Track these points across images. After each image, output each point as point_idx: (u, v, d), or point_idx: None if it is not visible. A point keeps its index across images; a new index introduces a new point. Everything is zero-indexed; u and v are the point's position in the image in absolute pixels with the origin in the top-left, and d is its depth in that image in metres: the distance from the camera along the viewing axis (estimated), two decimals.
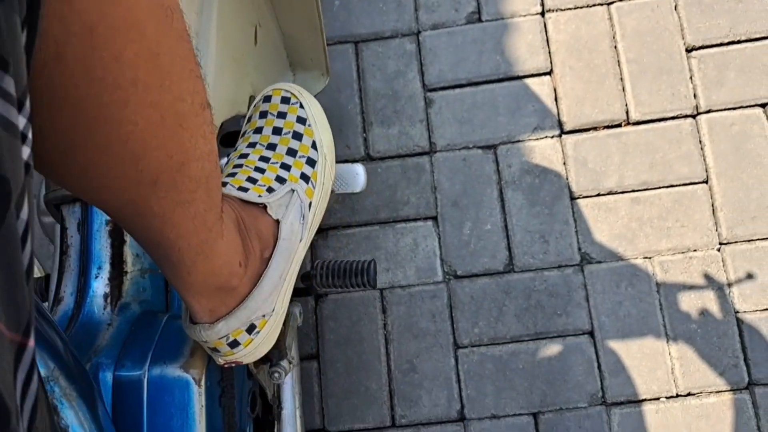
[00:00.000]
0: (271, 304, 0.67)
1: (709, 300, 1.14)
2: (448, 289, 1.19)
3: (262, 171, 0.69)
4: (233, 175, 0.68)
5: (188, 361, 0.66)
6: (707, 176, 1.18)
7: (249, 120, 0.75)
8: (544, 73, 1.25)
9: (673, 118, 1.21)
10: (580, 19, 1.27)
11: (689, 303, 1.14)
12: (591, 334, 1.15)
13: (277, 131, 0.71)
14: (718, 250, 1.15)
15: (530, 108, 1.24)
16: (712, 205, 1.17)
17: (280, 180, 0.68)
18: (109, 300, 0.71)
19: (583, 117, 1.23)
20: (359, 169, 0.97)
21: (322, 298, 1.21)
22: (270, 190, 0.67)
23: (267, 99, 0.74)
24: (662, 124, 1.21)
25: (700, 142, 1.19)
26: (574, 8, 1.27)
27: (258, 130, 0.73)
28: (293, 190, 0.68)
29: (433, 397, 1.15)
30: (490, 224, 1.21)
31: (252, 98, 1.01)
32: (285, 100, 0.73)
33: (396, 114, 1.27)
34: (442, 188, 1.23)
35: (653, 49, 1.24)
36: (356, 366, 1.18)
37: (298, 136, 0.71)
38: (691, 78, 1.22)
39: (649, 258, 1.16)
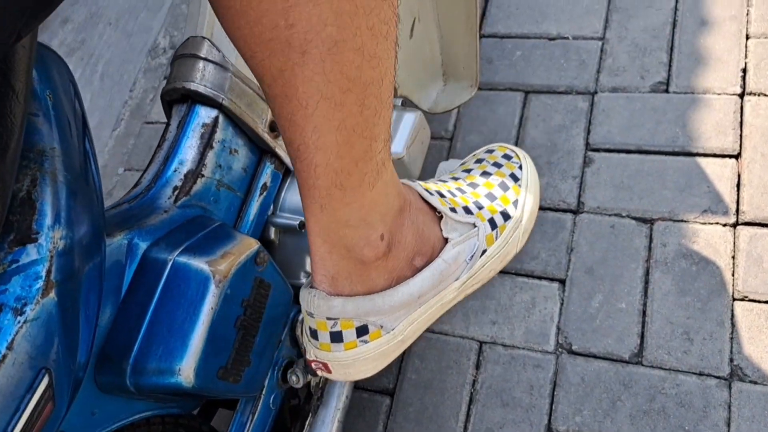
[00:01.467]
0: (396, 320, 0.61)
1: None
2: (557, 363, 1.02)
3: (454, 195, 0.66)
4: (424, 183, 0.65)
5: (215, 260, 0.60)
6: None
7: (462, 163, 0.74)
8: (730, 156, 1.09)
9: None
10: None
11: None
12: None
13: (485, 175, 0.70)
14: None
15: (704, 188, 1.07)
16: None
17: (468, 210, 0.65)
18: (176, 193, 0.69)
19: None
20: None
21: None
22: (453, 210, 0.64)
23: (489, 151, 0.74)
24: None
25: None
26: None
27: (467, 170, 0.71)
28: (475, 226, 0.64)
29: None
30: (625, 303, 1.03)
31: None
32: (507, 157, 0.73)
33: (549, 165, 1.17)
34: (579, 251, 1.09)
35: None
36: (430, 416, 1.03)
37: (504, 186, 0.69)
38: None
39: None
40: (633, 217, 1.09)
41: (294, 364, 0.76)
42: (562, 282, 1.07)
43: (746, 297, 0.99)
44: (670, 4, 1.25)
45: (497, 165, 0.72)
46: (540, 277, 1.09)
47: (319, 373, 0.64)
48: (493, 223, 0.66)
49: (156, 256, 0.61)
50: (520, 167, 0.72)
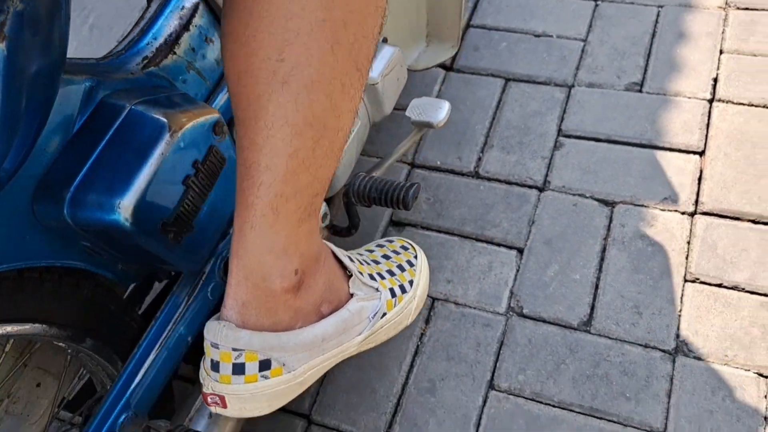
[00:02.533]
0: (299, 361, 0.63)
1: None
2: (506, 324, 1.01)
3: (361, 263, 0.73)
4: (344, 253, 0.72)
5: (173, 113, 0.61)
6: None
7: (364, 247, 0.82)
8: (695, 152, 1.12)
9: None
10: (752, 115, 1.14)
11: None
12: None
13: (386, 257, 0.79)
14: None
15: (667, 179, 1.10)
16: None
17: (372, 277, 0.73)
18: (145, 62, 0.69)
19: (726, 203, 1.06)
20: (444, 105, 0.91)
21: None
22: (361, 273, 0.70)
23: (389, 240, 0.84)
24: None
25: None
26: (748, 105, 1.16)
27: (369, 251, 0.80)
28: (379, 291, 0.72)
29: (441, 431, 0.94)
30: (579, 275, 1.04)
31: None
32: (404, 248, 0.82)
33: (520, 144, 1.19)
34: (540, 224, 1.10)
35: None
36: (372, 364, 1.01)
37: (402, 268, 0.78)
38: None
39: (766, 376, 0.91)
40: (596, 199, 1.11)
41: None
42: (521, 251, 1.08)
43: (698, 279, 1.00)
44: (652, 17, 1.32)
45: (396, 252, 0.81)
46: (499, 244, 1.09)
47: (213, 409, 0.63)
48: (393, 293, 0.74)
49: (113, 102, 0.61)
50: (415, 257, 0.81)
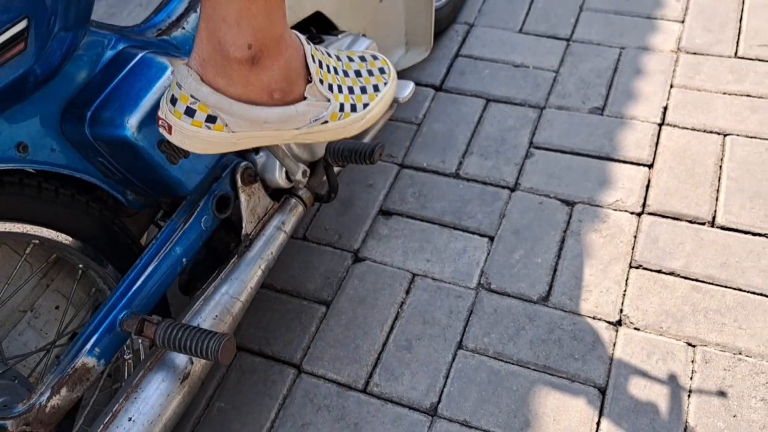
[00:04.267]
0: (239, 127, 0.73)
1: (747, 408, 0.99)
2: (475, 297, 1.17)
3: (328, 71, 0.79)
4: (322, 52, 0.78)
5: (176, 59, 0.78)
6: None
7: (352, 51, 0.88)
8: (644, 165, 1.31)
9: (760, 235, 1.17)
10: (694, 137, 1.34)
11: (723, 404, 1.00)
12: (602, 391, 1.04)
13: (357, 74, 0.84)
14: None
15: (619, 185, 1.28)
16: None
17: (331, 88, 0.78)
18: (158, 32, 0.88)
19: (669, 206, 1.24)
20: (410, 84, 1.08)
21: (361, 261, 1.24)
22: (321, 82, 0.77)
23: (374, 57, 0.88)
24: (747, 236, 1.17)
25: None
26: (692, 129, 1.35)
27: (350, 59, 0.85)
28: (330, 102, 0.78)
29: (414, 381, 1.08)
30: (541, 259, 1.20)
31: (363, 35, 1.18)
32: (381, 70, 0.87)
33: (497, 153, 1.37)
34: (510, 217, 1.27)
35: (757, 177, 1.25)
36: (358, 324, 1.16)
37: (364, 90, 0.83)
38: None
39: (693, 346, 1.07)
40: (558, 199, 1.29)
41: (228, 198, 0.91)
42: (492, 238, 1.25)
43: (641, 266, 1.17)
44: (614, 56, 1.52)
45: (370, 73, 0.85)
46: (473, 233, 1.26)
47: (161, 130, 0.74)
48: (342, 108, 0.80)
49: (130, 51, 0.79)
50: (386, 84, 0.85)
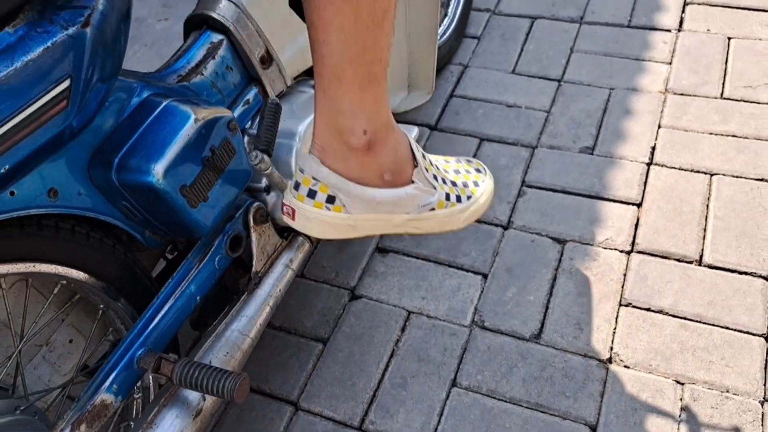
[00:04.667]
0: (356, 208, 0.81)
1: None
2: (469, 334, 1.20)
3: (431, 163, 0.88)
4: (423, 153, 0.87)
5: (198, 108, 0.82)
6: (767, 333, 1.13)
7: (445, 158, 0.98)
8: (633, 204, 1.34)
9: (746, 273, 1.21)
10: (682, 177, 1.37)
11: None
12: (593, 428, 1.06)
13: (456, 172, 0.94)
14: (762, 404, 1.05)
15: (609, 224, 1.32)
16: (766, 361, 1.10)
17: (435, 178, 0.87)
18: (179, 78, 0.92)
19: (657, 245, 1.27)
20: (414, 129, 1.12)
21: (358, 299, 1.27)
22: (426, 170, 0.85)
23: (468, 161, 0.99)
24: (733, 275, 1.21)
25: None
26: (679, 169, 1.39)
27: (446, 161, 0.95)
28: (435, 189, 0.86)
29: (409, 418, 1.10)
30: (533, 296, 1.23)
31: None
32: (477, 170, 0.97)
33: None
34: (503, 255, 1.30)
35: (742, 216, 1.29)
36: (354, 362, 1.18)
37: (465, 185, 0.93)
38: None
39: (681, 384, 1.09)
40: (550, 237, 1.32)
41: (241, 238, 0.95)
42: (485, 276, 1.28)
43: (630, 304, 1.20)
44: (604, 96, 1.57)
45: (467, 171, 0.96)
46: (468, 270, 1.29)
47: (284, 218, 0.83)
48: (447, 197, 0.88)
49: (154, 99, 0.83)
50: (483, 181, 0.96)
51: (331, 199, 0.79)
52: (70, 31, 0.65)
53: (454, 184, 0.90)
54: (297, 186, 0.80)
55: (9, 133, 0.63)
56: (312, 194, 0.79)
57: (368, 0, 0.69)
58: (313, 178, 0.78)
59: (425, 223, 0.88)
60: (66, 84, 0.66)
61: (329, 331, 1.23)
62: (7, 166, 0.64)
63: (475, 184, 0.94)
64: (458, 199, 0.90)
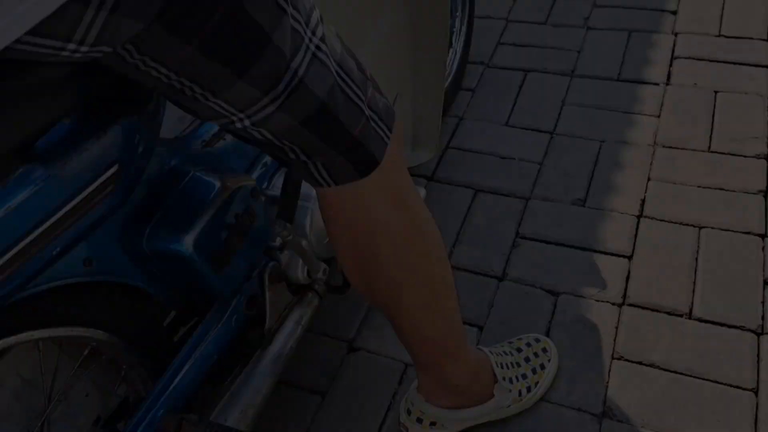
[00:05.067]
0: (453, 425, 1.09)
1: None
2: None
3: (506, 367, 1.12)
4: (498, 354, 1.13)
5: (224, 179, 0.85)
6: (757, 387, 1.15)
7: (517, 339, 1.21)
8: (624, 256, 1.38)
9: (735, 327, 1.24)
10: (671, 229, 1.41)
11: None
12: None
13: (527, 360, 1.17)
14: None
15: (601, 277, 1.35)
16: (756, 416, 1.12)
17: (511, 381, 1.12)
18: (203, 143, 0.95)
19: (648, 298, 1.30)
20: (422, 190, 1.16)
21: (356, 351, 1.29)
22: (504, 379, 1.10)
23: (537, 340, 1.20)
24: (723, 329, 1.24)
25: (758, 357, 1.19)
26: (669, 221, 1.43)
27: (518, 351, 1.18)
28: (511, 392, 1.11)
29: None
30: None
31: None
32: (544, 350, 1.19)
33: (484, 243, 1.44)
34: (497, 307, 1.33)
35: (730, 270, 1.32)
36: (352, 415, 1.20)
37: (534, 371, 1.16)
38: (762, 303, 1.26)
39: None
40: (544, 289, 1.35)
41: (257, 297, 0.98)
42: (481, 327, 1.30)
43: (623, 357, 1.23)
44: (595, 149, 1.62)
45: (536, 355, 1.17)
46: (463, 323, 1.31)
47: (401, 430, 1.11)
48: (520, 393, 1.13)
49: (181, 168, 0.86)
50: (549, 361, 1.18)
51: (433, 424, 1.08)
52: (121, 120, 0.69)
53: (524, 376, 1.14)
54: (409, 412, 1.09)
55: (62, 220, 0.66)
56: (420, 421, 1.08)
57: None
58: (421, 411, 1.07)
59: (501, 414, 1.14)
60: (114, 169, 0.69)
61: (327, 384, 1.25)
62: (58, 249, 0.68)
63: (542, 367, 1.17)
64: (528, 389, 1.14)
